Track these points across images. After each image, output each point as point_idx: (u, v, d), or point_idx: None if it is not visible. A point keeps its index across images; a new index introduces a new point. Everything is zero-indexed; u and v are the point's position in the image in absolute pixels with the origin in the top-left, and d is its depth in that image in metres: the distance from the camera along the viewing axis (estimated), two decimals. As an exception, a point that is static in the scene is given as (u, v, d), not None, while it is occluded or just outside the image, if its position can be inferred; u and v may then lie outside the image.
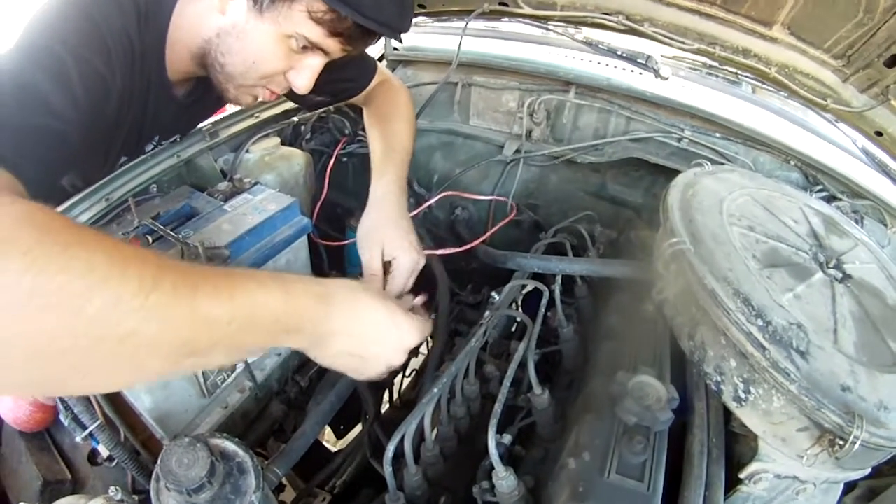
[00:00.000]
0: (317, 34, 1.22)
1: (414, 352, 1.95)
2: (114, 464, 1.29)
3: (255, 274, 0.89)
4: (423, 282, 1.43)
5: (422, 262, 1.47)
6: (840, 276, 1.18)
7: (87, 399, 1.22)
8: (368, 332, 1.05)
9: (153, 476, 0.93)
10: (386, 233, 1.44)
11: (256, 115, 2.05)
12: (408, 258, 1.43)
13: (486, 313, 1.45)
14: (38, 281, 0.60)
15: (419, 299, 1.40)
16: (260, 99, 1.44)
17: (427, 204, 1.94)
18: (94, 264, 0.64)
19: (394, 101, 1.79)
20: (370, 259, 1.42)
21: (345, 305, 1.00)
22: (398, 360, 1.13)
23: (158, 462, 0.90)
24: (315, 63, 1.31)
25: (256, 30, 1.23)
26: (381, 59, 2.46)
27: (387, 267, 1.43)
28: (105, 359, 0.67)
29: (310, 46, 1.26)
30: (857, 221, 1.68)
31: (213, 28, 1.27)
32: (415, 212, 1.85)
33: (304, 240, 1.59)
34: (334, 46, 1.26)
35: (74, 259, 0.63)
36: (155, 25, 1.27)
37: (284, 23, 1.21)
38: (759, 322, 0.97)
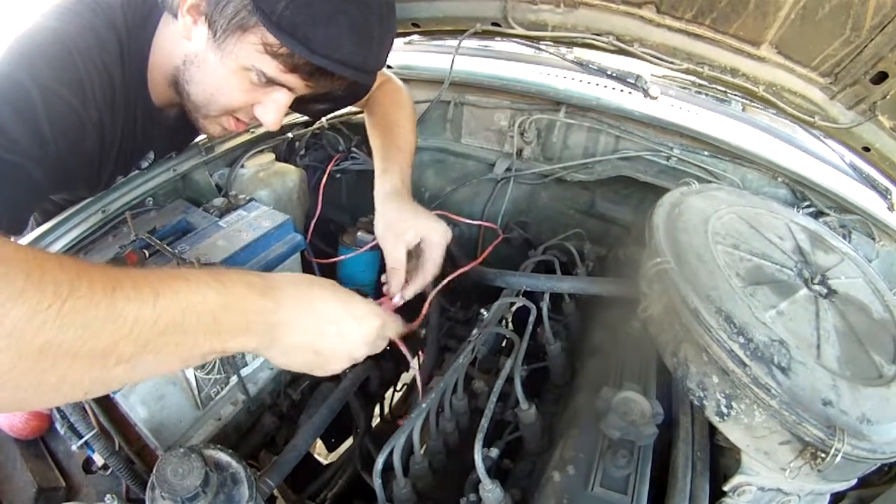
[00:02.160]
0: (272, 69, 1.18)
1: (405, 366, 1.97)
2: (108, 472, 1.29)
3: (188, 272, 0.83)
4: (414, 299, 1.44)
5: (450, 234, 1.41)
6: (825, 291, 1.20)
7: (83, 408, 1.23)
8: (322, 325, 0.99)
9: (149, 485, 0.94)
10: (407, 220, 1.38)
11: (252, 130, 2.06)
12: (437, 233, 1.38)
13: (475, 331, 1.47)
14: None
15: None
16: (229, 129, 1.40)
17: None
18: (11, 277, 0.62)
19: (396, 100, 1.77)
20: (392, 250, 1.36)
21: (294, 298, 0.95)
22: (361, 353, 1.06)
23: (154, 471, 0.92)
24: (281, 98, 1.27)
25: (215, 60, 1.20)
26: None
27: (409, 257, 1.39)
28: (30, 371, 0.65)
29: (270, 81, 1.22)
30: (844, 236, 1.70)
31: (181, 55, 1.25)
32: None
33: (297, 257, 1.60)
34: (295, 82, 1.22)
35: None
36: (137, 53, 1.26)
37: (240, 55, 1.17)
38: (741, 339, 0.99)
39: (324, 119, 2.18)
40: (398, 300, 1.35)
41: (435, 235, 1.38)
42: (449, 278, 1.48)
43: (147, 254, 1.34)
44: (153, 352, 0.76)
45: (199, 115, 1.34)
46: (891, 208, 1.77)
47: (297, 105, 1.42)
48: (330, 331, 1.00)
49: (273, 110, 1.28)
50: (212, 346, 0.84)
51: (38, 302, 0.63)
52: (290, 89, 1.25)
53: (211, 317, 0.81)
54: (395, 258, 1.36)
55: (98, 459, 1.29)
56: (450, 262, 1.37)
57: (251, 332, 0.89)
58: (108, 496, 1.09)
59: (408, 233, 1.35)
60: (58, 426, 1.25)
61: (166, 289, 0.76)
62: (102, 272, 0.72)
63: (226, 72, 1.20)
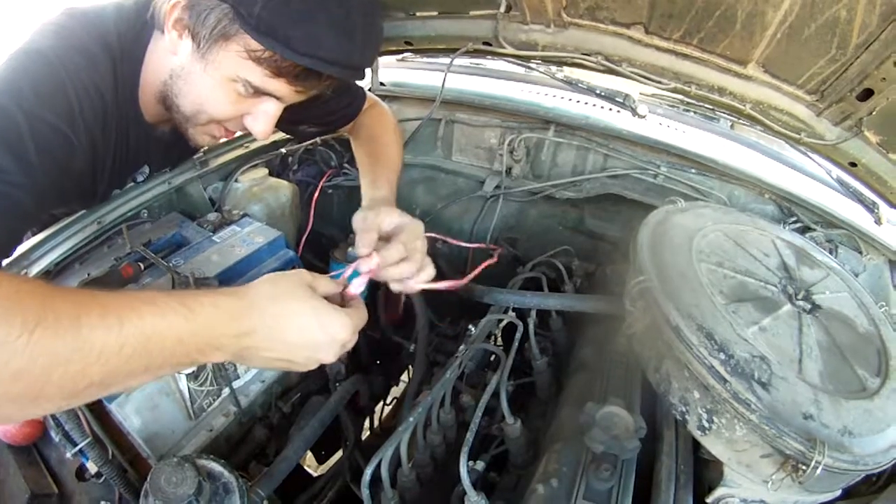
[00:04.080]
0: (258, 76, 1.18)
1: (394, 380, 1.98)
2: (101, 480, 1.30)
3: (154, 297, 0.85)
4: (404, 313, 1.44)
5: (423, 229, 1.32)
6: (809, 307, 1.21)
7: (77, 416, 1.24)
8: (293, 338, 1.00)
9: (142, 493, 0.96)
10: (383, 211, 1.31)
11: (246, 144, 2.09)
12: (413, 223, 1.31)
13: (462, 346, 1.48)
14: None
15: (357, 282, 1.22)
16: (218, 137, 1.40)
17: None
18: None
19: (381, 122, 1.79)
20: (364, 226, 1.28)
21: (265, 316, 0.96)
22: (330, 357, 1.06)
23: (148, 480, 0.94)
24: (270, 108, 1.27)
25: (199, 71, 1.20)
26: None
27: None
28: (7, 393, 0.70)
29: (257, 91, 1.22)
30: (831, 251, 1.72)
31: (168, 69, 1.26)
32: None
33: (288, 273, 1.61)
34: (283, 88, 1.22)
35: None
36: (130, 71, 1.27)
37: (224, 65, 1.17)
38: (722, 356, 1.01)
39: (316, 136, 2.19)
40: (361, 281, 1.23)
41: (410, 224, 1.30)
42: (445, 285, 1.48)
43: (142, 266, 1.36)
44: (123, 373, 0.80)
45: (188, 126, 1.34)
46: (878, 222, 1.78)
47: (288, 127, 1.40)
48: (300, 346, 1.02)
49: (262, 121, 1.29)
50: (180, 363, 0.88)
51: (7, 334, 0.67)
52: (278, 98, 1.26)
53: (177, 341, 0.84)
54: (367, 226, 1.28)
55: (91, 467, 1.29)
56: (437, 274, 1.37)
57: (221, 350, 0.92)
58: (102, 503, 1.11)
59: (383, 220, 1.30)
60: (52, 433, 1.26)
61: (132, 314, 0.79)
62: (70, 300, 0.76)
63: (212, 82, 1.21)
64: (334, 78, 1.24)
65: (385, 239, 1.28)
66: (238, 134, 1.49)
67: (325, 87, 1.29)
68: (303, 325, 1.00)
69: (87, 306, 0.76)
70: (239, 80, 1.19)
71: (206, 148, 1.90)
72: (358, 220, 1.31)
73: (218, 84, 1.21)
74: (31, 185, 1.01)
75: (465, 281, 1.45)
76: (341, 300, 1.13)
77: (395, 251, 1.23)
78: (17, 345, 0.68)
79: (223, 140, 1.56)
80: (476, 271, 1.52)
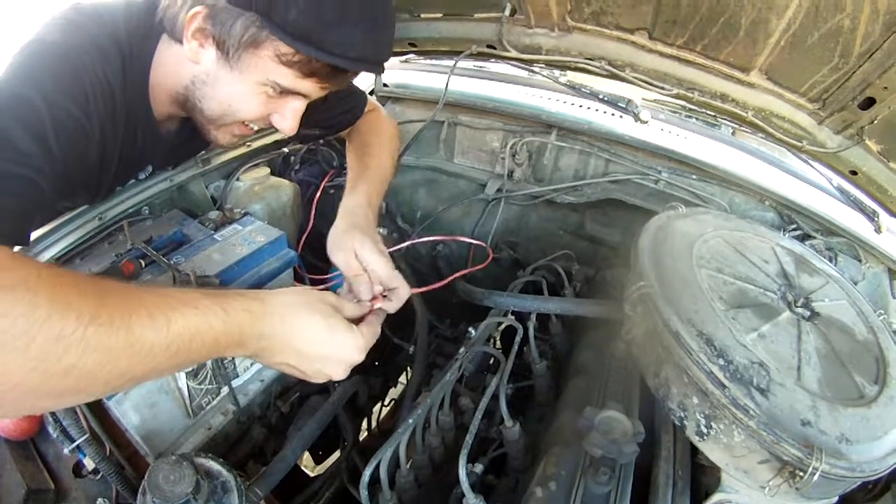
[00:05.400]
0: (289, 78, 1.20)
1: (393, 381, 1.98)
2: (98, 477, 1.30)
3: (194, 297, 0.91)
4: (404, 316, 1.44)
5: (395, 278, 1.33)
6: (808, 314, 1.22)
7: (75, 413, 1.25)
8: (305, 348, 1.06)
9: (140, 490, 0.97)
10: (356, 237, 1.33)
11: (248, 143, 2.08)
12: (382, 265, 1.31)
13: (462, 348, 1.48)
14: None
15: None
16: (240, 135, 1.42)
17: (408, 243, 1.97)
18: (36, 304, 0.68)
19: (376, 129, 1.79)
20: (346, 261, 1.31)
21: (284, 322, 1.02)
22: (339, 374, 1.12)
23: (146, 477, 0.95)
24: (297, 106, 1.30)
25: (228, 78, 1.21)
26: (370, 93, 2.49)
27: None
28: (53, 388, 0.72)
29: (285, 91, 1.24)
30: (830, 259, 1.71)
31: (189, 76, 1.26)
32: (397, 247, 1.89)
33: (289, 272, 1.62)
34: (311, 87, 1.24)
35: (18, 302, 0.67)
36: (139, 67, 1.27)
37: (255, 70, 1.19)
38: (721, 361, 1.01)
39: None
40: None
41: (378, 266, 1.31)
42: (430, 288, 1.49)
43: (143, 263, 1.36)
44: (162, 369, 0.86)
45: (211, 127, 1.35)
46: (878, 230, 1.78)
47: None
48: (310, 357, 1.08)
49: (290, 118, 1.31)
50: (208, 357, 0.95)
51: (63, 328, 0.70)
52: (304, 95, 1.28)
53: (214, 340, 0.91)
54: (350, 267, 1.32)
55: (89, 464, 1.30)
56: (437, 276, 1.37)
57: (244, 347, 0.99)
58: (99, 500, 1.11)
59: (352, 251, 1.32)
60: (50, 429, 1.27)
61: (177, 316, 0.85)
62: (120, 297, 0.80)
63: (242, 87, 1.22)
64: (358, 73, 1.31)
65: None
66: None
67: (349, 81, 1.36)
68: (315, 339, 1.07)
69: (135, 305, 0.80)
70: (269, 83, 1.21)
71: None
72: (331, 256, 1.36)
73: (248, 88, 1.23)
74: (51, 173, 1.02)
75: (447, 280, 1.50)
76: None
77: (364, 290, 1.29)
78: (72, 339, 0.70)
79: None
80: (464, 271, 1.53)
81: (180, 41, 1.21)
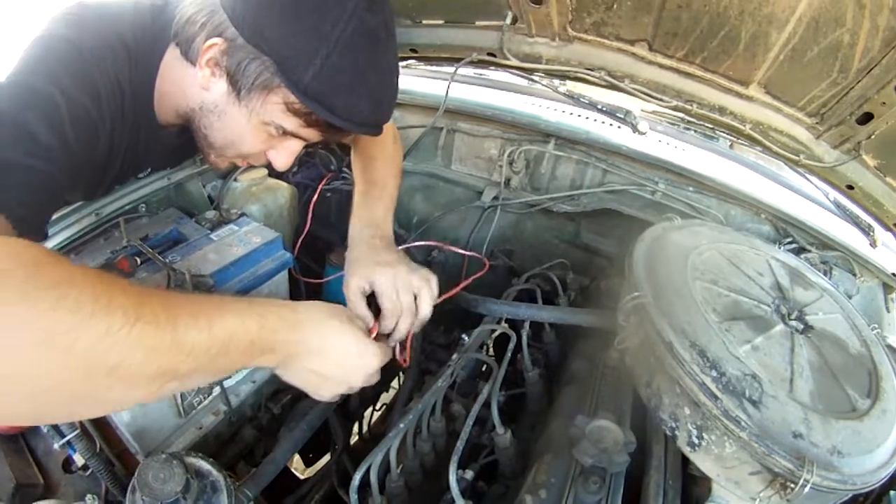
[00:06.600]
0: (293, 125, 1.20)
1: (385, 386, 1.97)
2: (87, 473, 1.30)
3: (232, 302, 0.94)
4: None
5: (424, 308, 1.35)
6: (801, 327, 1.22)
7: None
8: (334, 355, 1.10)
9: (129, 488, 0.96)
10: (363, 266, 1.35)
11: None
12: (384, 283, 1.32)
13: (455, 355, 1.48)
14: (29, 315, 0.64)
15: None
16: (236, 164, 1.43)
17: (402, 247, 1.96)
18: (81, 301, 0.67)
19: (380, 142, 1.76)
20: (355, 305, 1.32)
21: (316, 331, 1.06)
22: (359, 383, 1.16)
23: (136, 475, 0.94)
24: (295, 147, 1.30)
25: (235, 113, 1.21)
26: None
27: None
28: (97, 388, 0.72)
29: (287, 133, 1.24)
30: (825, 272, 1.72)
31: (197, 101, 1.26)
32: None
33: (285, 274, 1.62)
34: (312, 135, 1.25)
35: (63, 298, 0.66)
36: (145, 70, 1.26)
37: (262, 112, 1.19)
38: (713, 373, 1.01)
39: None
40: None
41: (389, 304, 1.32)
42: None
43: (139, 261, 1.36)
44: (202, 371, 0.87)
45: (211, 152, 1.35)
46: (873, 245, 1.78)
47: None
48: (338, 364, 1.12)
49: (286, 156, 1.32)
50: (243, 363, 0.97)
51: (109, 325, 0.69)
52: (304, 139, 1.29)
53: (249, 343, 0.93)
54: (357, 309, 1.32)
55: (78, 459, 1.29)
56: None
57: (275, 354, 1.01)
58: (88, 496, 1.10)
59: (362, 289, 1.33)
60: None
61: (217, 318, 0.87)
62: (162, 299, 0.81)
63: (248, 125, 1.23)
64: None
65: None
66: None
67: (347, 136, 1.39)
68: (344, 347, 1.12)
69: (176, 306, 0.81)
70: (273, 124, 1.21)
71: None
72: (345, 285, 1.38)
73: (253, 127, 1.23)
74: (68, 166, 1.02)
75: (454, 292, 1.49)
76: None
77: (389, 321, 1.33)
78: (119, 336, 0.70)
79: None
80: (467, 281, 1.53)
81: (193, 63, 1.21)
